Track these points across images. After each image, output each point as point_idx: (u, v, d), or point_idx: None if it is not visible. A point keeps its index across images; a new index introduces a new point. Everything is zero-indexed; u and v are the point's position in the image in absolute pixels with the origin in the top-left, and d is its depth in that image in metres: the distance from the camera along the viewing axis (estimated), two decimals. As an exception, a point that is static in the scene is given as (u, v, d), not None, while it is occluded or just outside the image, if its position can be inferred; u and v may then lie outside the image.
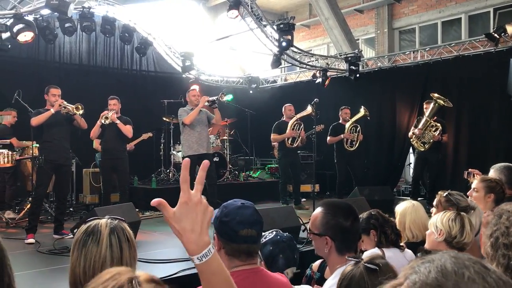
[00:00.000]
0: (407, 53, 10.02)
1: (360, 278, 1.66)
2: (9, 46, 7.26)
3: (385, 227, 2.95)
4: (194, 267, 3.95)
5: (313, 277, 2.80)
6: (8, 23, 6.95)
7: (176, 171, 9.33)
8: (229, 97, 11.02)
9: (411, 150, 9.11)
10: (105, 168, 6.92)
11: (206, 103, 7.04)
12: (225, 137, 10.06)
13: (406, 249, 2.97)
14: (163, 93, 10.01)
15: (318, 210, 2.23)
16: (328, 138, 8.44)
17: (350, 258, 1.69)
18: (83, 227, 1.72)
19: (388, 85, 9.96)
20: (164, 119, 9.52)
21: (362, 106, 8.60)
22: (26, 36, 6.55)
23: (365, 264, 1.69)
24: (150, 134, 9.00)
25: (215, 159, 9.33)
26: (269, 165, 10.86)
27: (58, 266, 4.39)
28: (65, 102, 5.98)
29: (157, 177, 8.95)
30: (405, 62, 9.78)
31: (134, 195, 8.15)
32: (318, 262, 2.82)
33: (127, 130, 6.74)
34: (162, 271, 4.01)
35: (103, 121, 6.55)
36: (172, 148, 9.39)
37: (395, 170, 9.79)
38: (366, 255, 2.76)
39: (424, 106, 8.00)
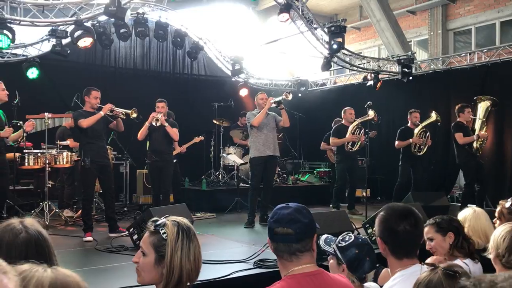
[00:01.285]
0: (462, 55, 9.69)
1: (437, 283, 1.60)
2: (69, 51, 7.59)
3: (464, 234, 2.87)
4: (247, 269, 3.96)
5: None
6: (68, 29, 7.27)
7: (225, 173, 9.42)
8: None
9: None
10: (152, 170, 6.96)
11: (273, 105, 7.05)
12: (273, 140, 10.04)
13: (479, 263, 2.85)
14: (213, 96, 10.12)
15: (380, 212, 2.27)
16: (397, 142, 8.20)
17: (426, 263, 1.63)
18: (173, 230, 1.78)
19: (443, 88, 9.64)
20: (214, 122, 9.65)
21: (434, 111, 8.32)
22: (85, 42, 6.84)
23: (444, 269, 1.64)
24: (201, 138, 9.13)
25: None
26: (317, 169, 10.76)
27: (117, 263, 4.52)
28: (113, 106, 6.16)
29: (207, 179, 9.07)
30: (461, 65, 9.45)
31: (186, 197, 8.32)
32: None
33: (174, 133, 6.84)
34: (216, 272, 4.05)
35: (153, 123, 6.66)
36: (222, 151, 9.49)
37: (450, 176, 9.46)
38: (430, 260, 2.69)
39: (465, 110, 7.78)
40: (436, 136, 9.39)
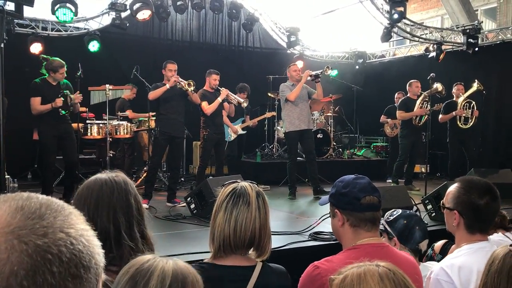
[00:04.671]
0: (535, 23, 9.03)
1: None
2: (127, 24, 7.74)
3: None
4: (302, 241, 3.94)
5: (434, 258, 2.67)
6: (127, 3, 7.40)
7: (279, 146, 9.41)
8: (333, 73, 10.80)
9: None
10: (209, 143, 6.81)
11: (309, 78, 6.92)
12: (329, 114, 9.90)
13: None
14: (268, 69, 10.04)
15: (454, 185, 2.19)
16: (440, 116, 7.94)
17: None
18: (227, 190, 1.78)
19: (512, 60, 9.07)
20: (269, 95, 9.60)
21: (476, 80, 7.93)
22: (144, 14, 6.95)
23: None
24: (273, 113, 9.14)
25: (319, 135, 9.25)
26: (374, 143, 10.51)
27: (174, 231, 4.65)
28: (179, 78, 6.21)
29: (261, 152, 9.10)
30: (533, 34, 8.83)
31: (240, 169, 8.39)
32: (440, 243, 2.68)
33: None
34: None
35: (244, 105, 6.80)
36: (276, 124, 9.45)
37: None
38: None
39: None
40: (498, 107, 8.92)
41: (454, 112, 7.79)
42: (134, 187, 1.71)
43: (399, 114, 7.98)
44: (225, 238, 1.72)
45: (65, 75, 5.82)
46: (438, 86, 7.48)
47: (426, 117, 7.72)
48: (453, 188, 2.16)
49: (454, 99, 7.96)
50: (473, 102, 7.80)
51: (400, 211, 2.41)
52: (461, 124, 7.80)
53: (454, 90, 8.00)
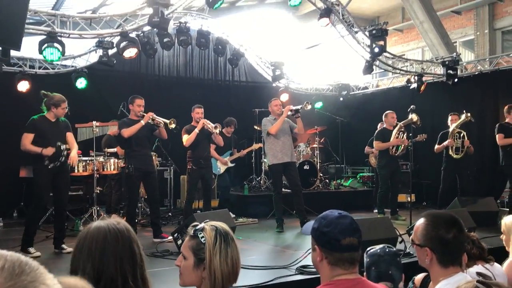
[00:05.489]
0: (511, 55, 9.33)
1: None
2: (115, 61, 7.85)
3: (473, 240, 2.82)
4: (289, 275, 3.97)
5: (414, 291, 2.70)
6: (114, 40, 7.52)
7: (267, 178, 9.47)
8: (318, 105, 10.99)
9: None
10: (193, 176, 6.93)
11: (289, 113, 7.07)
12: (315, 145, 10.02)
13: (495, 264, 2.82)
14: (254, 102, 10.19)
15: (421, 220, 2.22)
16: (436, 146, 8.16)
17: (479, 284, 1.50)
18: (212, 232, 1.83)
19: (490, 90, 9.33)
20: (256, 127, 9.71)
21: (464, 111, 8.15)
22: (130, 52, 7.06)
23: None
24: (260, 145, 9.25)
25: (305, 167, 9.34)
26: (360, 174, 10.62)
27: (161, 268, 4.63)
28: (154, 115, 6.28)
29: (249, 184, 9.14)
30: (510, 65, 9.12)
31: (228, 202, 8.41)
32: (420, 276, 2.71)
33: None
34: (258, 278, 4.08)
35: (216, 131, 6.84)
36: (263, 156, 9.54)
37: (499, 180, 9.11)
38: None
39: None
40: (480, 137, 9.11)
41: (445, 143, 7.98)
42: (134, 233, 1.72)
43: (376, 144, 8.13)
44: (225, 278, 1.78)
45: (66, 110, 5.56)
46: (413, 116, 7.68)
47: (402, 147, 7.89)
48: (420, 224, 2.18)
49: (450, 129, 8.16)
50: (463, 132, 7.98)
51: (377, 248, 2.46)
52: (453, 154, 7.95)
53: (448, 120, 8.22)
